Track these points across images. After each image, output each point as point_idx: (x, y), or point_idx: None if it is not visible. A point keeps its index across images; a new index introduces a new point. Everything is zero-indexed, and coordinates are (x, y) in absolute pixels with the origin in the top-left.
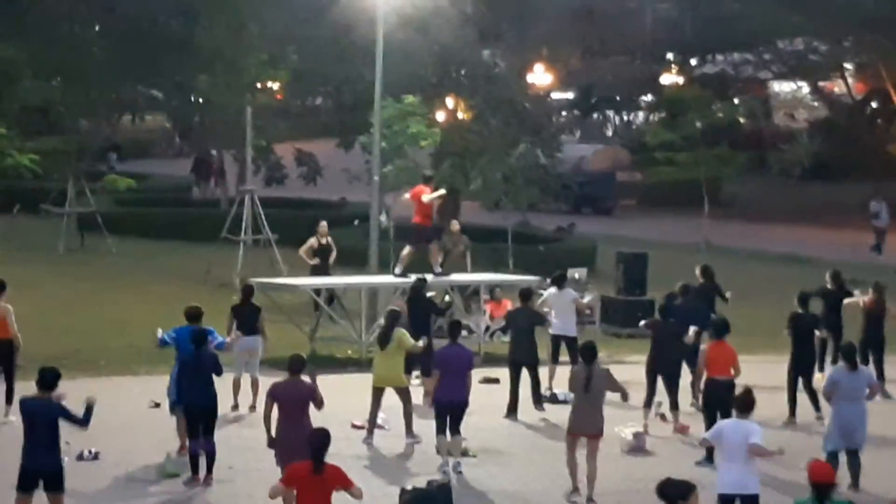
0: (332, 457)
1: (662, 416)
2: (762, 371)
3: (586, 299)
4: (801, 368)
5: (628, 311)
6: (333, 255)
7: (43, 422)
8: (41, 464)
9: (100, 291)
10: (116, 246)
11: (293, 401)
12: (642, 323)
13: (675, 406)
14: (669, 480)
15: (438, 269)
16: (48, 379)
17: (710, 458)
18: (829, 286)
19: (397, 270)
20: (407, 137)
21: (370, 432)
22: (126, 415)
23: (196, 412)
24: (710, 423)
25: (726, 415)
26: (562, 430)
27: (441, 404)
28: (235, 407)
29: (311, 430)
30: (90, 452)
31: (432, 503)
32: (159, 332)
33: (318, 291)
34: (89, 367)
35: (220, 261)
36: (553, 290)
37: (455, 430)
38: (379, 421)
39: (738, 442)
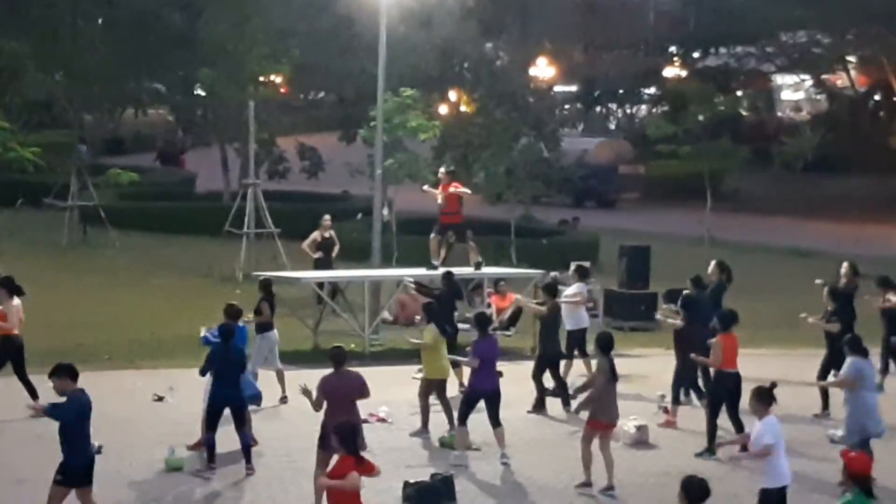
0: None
1: (665, 409)
2: (766, 365)
3: (571, 290)
4: (835, 363)
5: (631, 305)
6: (336, 248)
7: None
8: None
9: (102, 285)
10: (119, 240)
11: (343, 394)
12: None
13: (676, 400)
14: (693, 479)
15: (437, 262)
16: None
17: (710, 450)
18: (844, 279)
19: (435, 262)
20: (406, 131)
21: (425, 426)
22: (129, 408)
23: (223, 405)
24: (714, 416)
25: (733, 408)
26: (564, 424)
27: (476, 394)
28: (284, 399)
29: (337, 424)
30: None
31: (436, 496)
32: (203, 331)
33: (321, 285)
34: (92, 361)
35: (223, 255)
36: (582, 284)
37: (497, 422)
38: (382, 414)
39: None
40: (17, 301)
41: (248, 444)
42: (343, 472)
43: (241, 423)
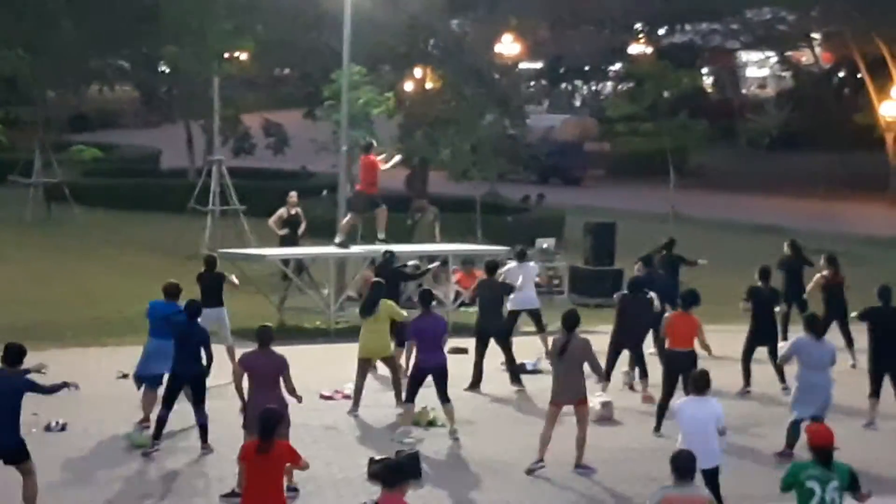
0: (300, 427)
1: (631, 386)
2: (729, 341)
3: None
4: (759, 340)
5: (596, 281)
6: (303, 225)
7: (4, 396)
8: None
9: (67, 262)
10: (83, 217)
11: (265, 372)
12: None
13: (644, 375)
14: (684, 453)
15: (383, 235)
16: (12, 354)
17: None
18: (787, 254)
19: (338, 240)
20: (358, 107)
21: (356, 404)
22: (93, 386)
23: (182, 382)
24: (669, 392)
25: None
26: (529, 401)
27: (420, 371)
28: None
29: (263, 409)
30: (57, 423)
31: (401, 473)
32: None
33: (286, 262)
34: (56, 339)
35: (188, 231)
36: (514, 263)
37: (445, 398)
38: (347, 391)
39: (700, 419)
40: None
41: (204, 422)
42: (242, 454)
43: (200, 400)
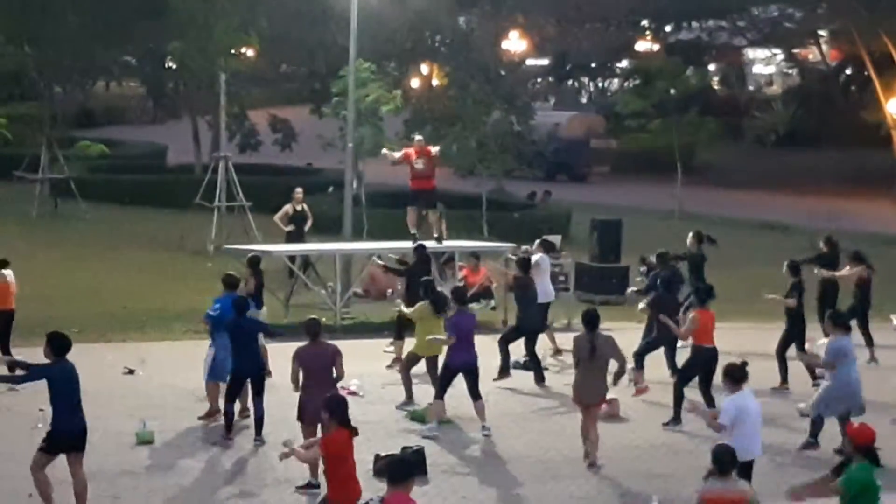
0: None
1: (635, 381)
2: (737, 338)
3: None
4: (795, 336)
5: (602, 278)
6: (309, 222)
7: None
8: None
9: (73, 258)
10: (90, 212)
11: (319, 365)
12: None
13: (640, 367)
14: (726, 447)
15: (414, 231)
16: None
17: (677, 419)
18: (824, 250)
19: (436, 235)
20: (367, 104)
21: (410, 398)
22: (99, 382)
23: (244, 377)
24: (682, 387)
25: (705, 383)
26: (535, 397)
27: (452, 368)
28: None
29: (328, 398)
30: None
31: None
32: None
33: (292, 258)
34: None
35: (194, 227)
36: (544, 255)
37: (476, 395)
38: (353, 388)
39: (757, 411)
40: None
41: (261, 414)
42: (334, 444)
43: (260, 393)
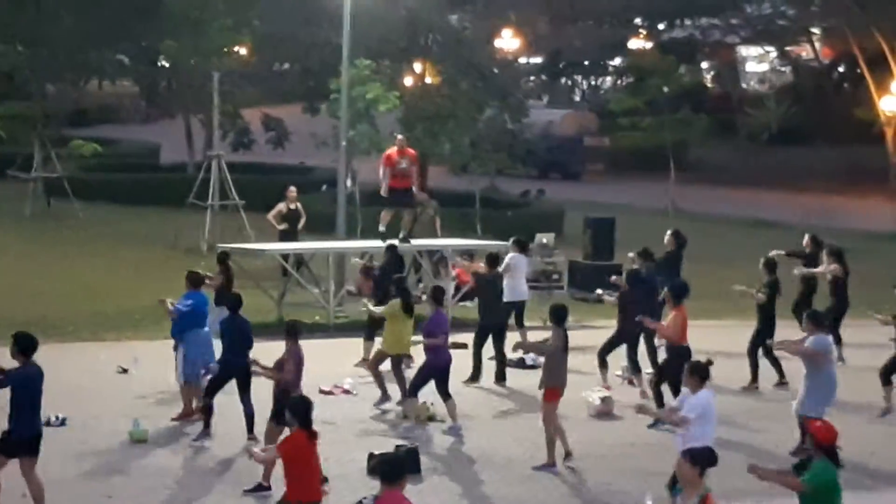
0: None
1: (630, 381)
2: (729, 336)
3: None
4: (768, 334)
5: (596, 276)
6: (303, 220)
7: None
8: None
9: (67, 257)
10: (83, 211)
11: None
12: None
13: (637, 370)
14: (709, 448)
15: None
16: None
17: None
18: (807, 250)
19: (402, 235)
20: (366, 102)
21: (385, 395)
22: (93, 380)
23: (231, 373)
24: (677, 389)
25: (672, 384)
26: (526, 395)
27: (437, 367)
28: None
29: (293, 399)
30: (57, 418)
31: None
32: (169, 304)
33: (285, 257)
34: (56, 333)
35: (188, 226)
36: (517, 254)
37: (447, 395)
38: (347, 386)
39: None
40: None
41: (251, 411)
42: (291, 446)
43: (246, 389)
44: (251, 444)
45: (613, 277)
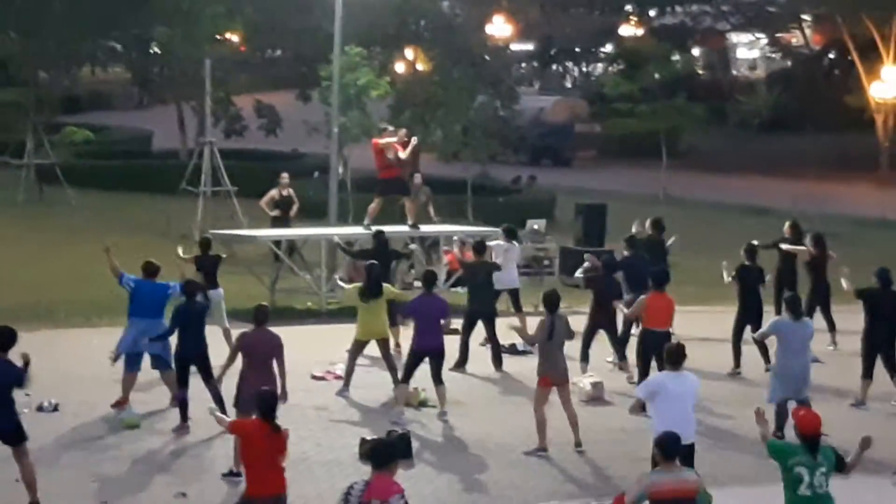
0: (291, 408)
1: (620, 367)
2: (718, 322)
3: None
4: (748, 320)
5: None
6: (295, 207)
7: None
8: None
9: (59, 243)
10: (76, 198)
11: (261, 351)
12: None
13: (623, 357)
14: (670, 434)
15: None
16: (5, 339)
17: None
18: (787, 236)
19: (410, 222)
20: (358, 89)
21: (347, 385)
22: (85, 367)
23: (189, 361)
24: (644, 373)
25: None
26: (519, 381)
27: (417, 353)
28: None
29: (258, 393)
30: (50, 403)
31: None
32: (124, 277)
33: (278, 243)
34: (49, 319)
35: (180, 213)
36: (502, 241)
37: (439, 380)
38: (339, 372)
39: (679, 393)
40: None
41: (217, 392)
42: (240, 426)
43: (208, 376)
44: (216, 409)
45: (587, 256)
